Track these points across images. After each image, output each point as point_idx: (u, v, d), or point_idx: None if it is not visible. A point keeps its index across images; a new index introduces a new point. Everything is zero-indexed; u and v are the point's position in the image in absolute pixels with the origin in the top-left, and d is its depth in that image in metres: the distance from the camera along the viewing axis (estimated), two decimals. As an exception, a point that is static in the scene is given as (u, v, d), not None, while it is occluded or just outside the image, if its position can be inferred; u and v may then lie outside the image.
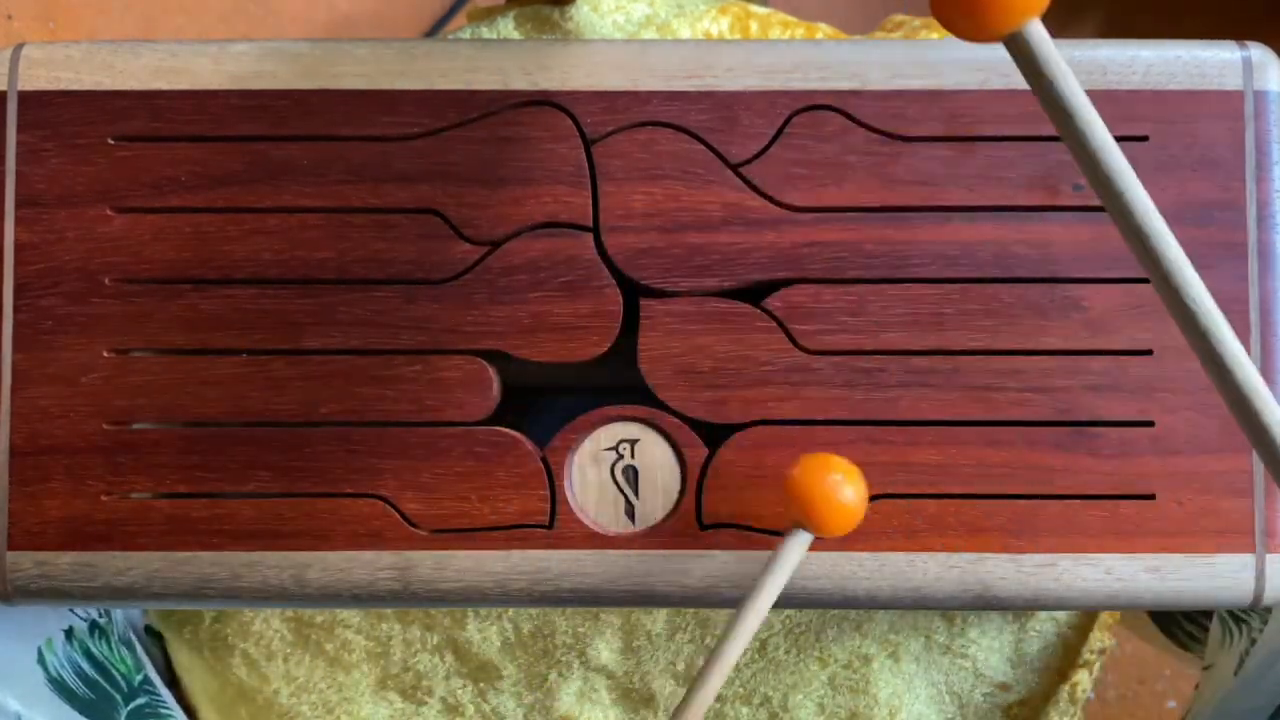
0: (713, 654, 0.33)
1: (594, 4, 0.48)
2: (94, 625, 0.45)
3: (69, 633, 0.44)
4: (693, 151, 0.37)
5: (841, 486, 0.34)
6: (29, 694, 0.40)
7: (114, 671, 0.45)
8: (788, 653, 0.46)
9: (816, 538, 0.34)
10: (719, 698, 0.47)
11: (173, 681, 0.49)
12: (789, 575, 0.34)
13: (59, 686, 0.42)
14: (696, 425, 0.37)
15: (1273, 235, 0.37)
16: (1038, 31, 0.26)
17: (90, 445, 0.37)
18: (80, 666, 0.43)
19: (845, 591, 0.37)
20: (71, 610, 0.44)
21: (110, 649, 0.45)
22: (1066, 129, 0.26)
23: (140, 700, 0.45)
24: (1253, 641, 0.44)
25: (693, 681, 0.33)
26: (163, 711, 0.46)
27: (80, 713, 0.42)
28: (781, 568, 0.34)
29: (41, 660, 0.42)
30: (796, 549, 0.34)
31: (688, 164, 0.37)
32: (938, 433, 0.37)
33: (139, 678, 0.46)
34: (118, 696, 0.44)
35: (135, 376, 0.37)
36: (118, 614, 0.47)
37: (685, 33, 0.49)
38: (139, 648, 0.47)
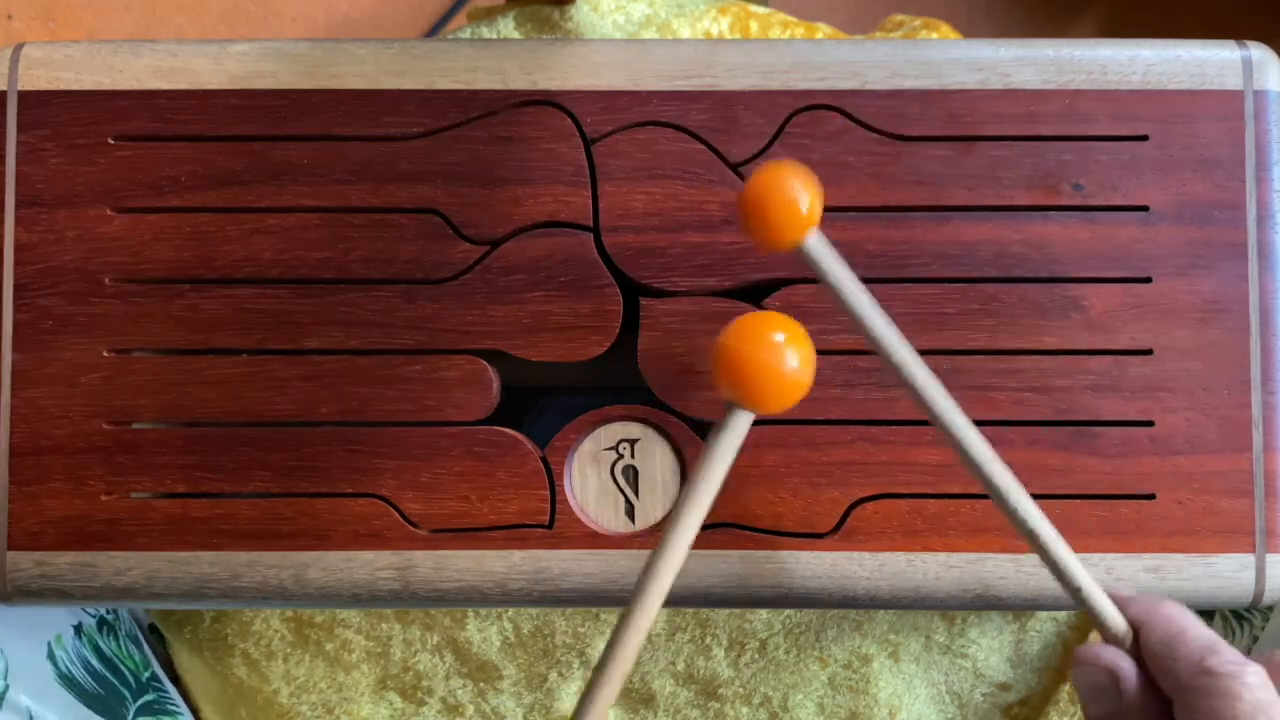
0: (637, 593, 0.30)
1: (594, 4, 0.48)
2: (102, 622, 0.45)
3: (78, 629, 0.44)
4: (693, 151, 0.37)
5: (783, 352, 0.30)
6: (40, 690, 0.40)
7: (123, 667, 0.45)
8: (788, 653, 0.46)
9: (758, 416, 0.31)
10: (719, 697, 0.47)
11: (174, 680, 0.49)
12: (728, 466, 0.31)
13: (69, 682, 0.42)
14: (696, 425, 0.37)
15: (1273, 235, 0.37)
16: (816, 243, 0.31)
17: (90, 445, 0.37)
18: (90, 662, 0.43)
19: (845, 591, 0.37)
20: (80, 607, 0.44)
21: (119, 645, 0.46)
22: (853, 321, 0.31)
23: (149, 696, 0.45)
24: (1255, 639, 0.44)
25: (618, 623, 0.30)
26: (170, 707, 0.46)
27: (90, 708, 0.42)
28: (719, 458, 0.30)
29: (51, 656, 0.42)
30: (735, 432, 0.30)
31: (688, 164, 0.37)
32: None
33: (147, 674, 0.46)
34: (126, 692, 0.44)
35: (135, 376, 0.37)
36: (125, 610, 0.47)
37: (685, 33, 0.49)
38: (146, 644, 0.48)
